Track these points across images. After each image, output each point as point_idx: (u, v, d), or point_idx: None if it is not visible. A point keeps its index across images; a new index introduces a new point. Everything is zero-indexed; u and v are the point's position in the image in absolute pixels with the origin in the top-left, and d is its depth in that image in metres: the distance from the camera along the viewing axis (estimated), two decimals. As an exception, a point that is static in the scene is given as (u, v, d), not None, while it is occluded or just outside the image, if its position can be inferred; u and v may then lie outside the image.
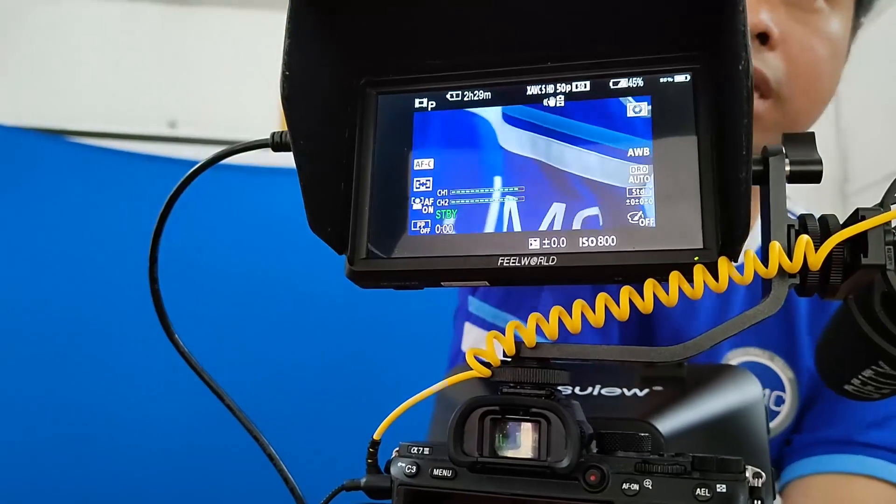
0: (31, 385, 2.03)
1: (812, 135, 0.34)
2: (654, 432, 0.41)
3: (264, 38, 2.71)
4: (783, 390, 0.70)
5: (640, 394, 0.48)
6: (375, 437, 0.36)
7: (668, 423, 0.44)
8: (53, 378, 2.03)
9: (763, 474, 0.32)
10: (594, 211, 0.34)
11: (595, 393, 0.48)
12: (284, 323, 2.02)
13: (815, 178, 0.33)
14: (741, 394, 0.49)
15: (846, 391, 0.42)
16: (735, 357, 0.71)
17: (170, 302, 0.43)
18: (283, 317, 2.03)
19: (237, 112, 2.63)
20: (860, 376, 0.40)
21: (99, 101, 2.57)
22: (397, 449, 0.36)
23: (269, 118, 2.67)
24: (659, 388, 0.49)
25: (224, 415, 0.45)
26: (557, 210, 0.34)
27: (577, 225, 0.34)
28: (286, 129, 0.33)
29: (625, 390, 0.48)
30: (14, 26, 2.62)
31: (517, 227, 0.35)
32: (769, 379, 0.69)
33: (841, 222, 0.32)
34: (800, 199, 0.71)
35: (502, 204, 0.35)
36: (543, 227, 0.34)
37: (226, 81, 2.70)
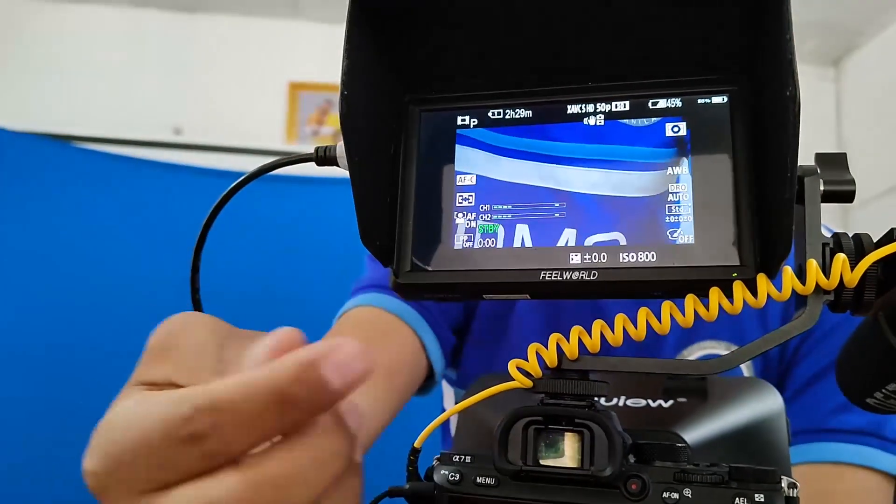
0: (32, 389, 2.03)
1: (844, 155, 0.35)
2: (683, 443, 0.42)
3: (269, 45, 2.74)
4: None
5: (665, 405, 0.49)
6: (416, 444, 0.37)
7: (694, 434, 0.45)
8: (55, 382, 2.03)
9: (797, 484, 0.33)
10: (617, 236, 0.35)
11: (621, 404, 0.49)
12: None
13: (848, 197, 0.34)
14: (763, 405, 0.49)
15: (868, 404, 0.43)
16: (692, 353, 0.72)
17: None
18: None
19: (242, 119, 2.65)
20: (884, 390, 0.41)
21: (105, 107, 2.58)
22: (438, 457, 0.37)
23: (274, 125, 2.69)
24: (683, 399, 0.49)
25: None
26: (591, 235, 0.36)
27: (619, 241, 0.35)
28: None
29: (650, 402, 0.49)
30: (21, 32, 2.63)
31: (558, 243, 0.36)
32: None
33: (874, 241, 0.33)
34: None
35: (544, 219, 0.36)
36: (588, 242, 0.35)
37: (231, 88, 2.71)
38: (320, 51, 2.69)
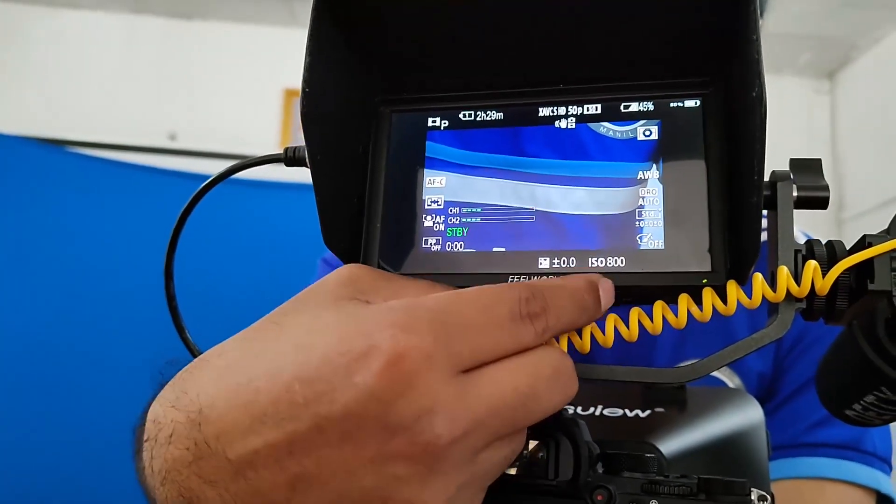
0: (28, 394, 2.02)
1: (819, 161, 0.34)
2: (656, 453, 0.41)
3: (264, 52, 2.74)
4: None
5: (642, 415, 0.48)
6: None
7: (670, 445, 0.44)
8: (49, 386, 2.02)
9: (767, 497, 0.32)
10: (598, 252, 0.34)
11: (597, 413, 0.49)
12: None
13: (822, 203, 0.33)
14: (743, 417, 0.49)
15: (847, 416, 0.43)
16: None
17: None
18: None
19: (237, 125, 2.64)
20: (862, 402, 0.40)
21: (100, 112, 2.58)
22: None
23: (269, 131, 2.69)
24: (661, 409, 0.49)
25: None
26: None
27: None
28: (300, 143, 0.34)
29: (627, 411, 0.49)
30: (17, 37, 2.63)
31: (527, 247, 0.35)
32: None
33: (847, 248, 0.32)
34: (795, 225, 0.71)
35: (513, 223, 0.35)
36: (552, 247, 0.35)
37: (226, 95, 2.71)
38: (316, 58, 2.69)
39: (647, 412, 0.48)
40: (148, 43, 2.71)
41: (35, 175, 2.25)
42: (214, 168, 0.40)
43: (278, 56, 2.74)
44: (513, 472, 0.32)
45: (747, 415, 0.49)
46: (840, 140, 2.77)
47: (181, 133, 2.62)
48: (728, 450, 0.47)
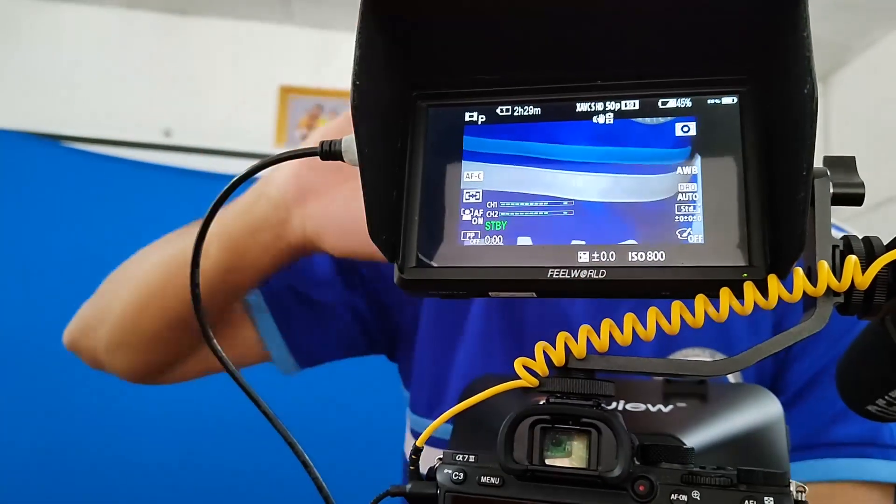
0: (28, 390, 2.01)
1: (853, 158, 0.35)
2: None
3: (260, 49, 2.74)
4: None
5: (664, 409, 0.48)
6: (418, 443, 0.37)
7: (693, 439, 0.44)
8: (47, 384, 2.01)
9: (805, 488, 0.33)
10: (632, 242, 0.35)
11: (620, 408, 0.49)
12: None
13: (857, 200, 0.34)
14: (763, 411, 0.49)
15: (868, 411, 0.43)
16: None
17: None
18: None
19: (232, 122, 2.63)
20: (887, 397, 0.41)
21: (95, 108, 2.56)
22: (440, 457, 0.36)
23: (265, 128, 2.68)
24: (682, 404, 0.49)
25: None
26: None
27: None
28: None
29: (649, 406, 0.49)
30: (11, 31, 2.61)
31: (566, 241, 0.35)
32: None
33: (885, 244, 0.33)
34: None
35: (551, 217, 0.36)
36: (591, 240, 0.35)
37: (221, 91, 2.70)
38: (312, 55, 2.69)
39: (669, 407, 0.49)
40: (143, 38, 2.70)
41: (28, 170, 2.24)
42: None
43: (274, 53, 2.73)
44: (556, 463, 0.33)
45: (767, 409, 0.50)
46: (833, 142, 2.79)
47: (176, 129, 2.60)
48: (750, 444, 0.47)
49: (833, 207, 0.33)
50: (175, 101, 2.65)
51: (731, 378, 0.70)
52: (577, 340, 0.33)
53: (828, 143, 2.80)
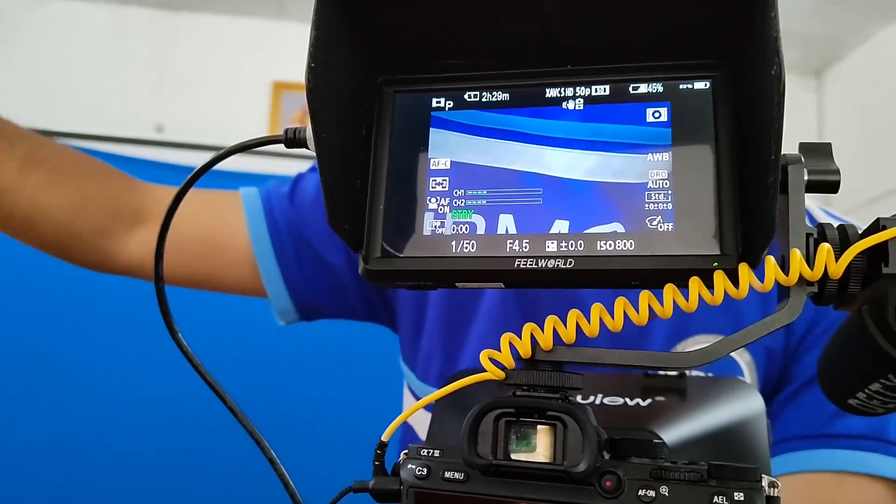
0: (28, 390, 2.00)
1: (829, 145, 0.34)
2: (661, 441, 0.41)
3: (253, 45, 2.72)
4: (742, 374, 0.66)
5: (642, 403, 0.48)
6: (383, 438, 0.36)
7: (672, 434, 0.43)
8: (47, 384, 2.01)
9: (778, 483, 0.32)
10: (611, 227, 0.34)
11: (597, 402, 0.48)
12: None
13: (833, 187, 0.33)
14: (743, 406, 0.48)
15: (850, 405, 0.42)
16: (686, 348, 0.67)
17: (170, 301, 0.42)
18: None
19: (224, 117, 2.62)
20: (867, 390, 0.40)
21: (87, 104, 2.55)
22: (405, 451, 0.35)
23: (257, 124, 2.67)
24: (661, 398, 0.48)
25: (219, 417, 0.44)
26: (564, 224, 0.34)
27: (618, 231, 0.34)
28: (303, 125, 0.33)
29: (627, 400, 0.48)
30: (2, 27, 2.59)
31: (534, 230, 0.34)
32: (726, 365, 0.65)
33: (860, 232, 0.32)
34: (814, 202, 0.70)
35: (520, 205, 0.35)
36: (560, 230, 0.34)
37: (214, 87, 2.69)
38: (304, 51, 2.67)
39: (648, 401, 0.48)
40: (135, 34, 2.68)
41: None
42: (202, 160, 0.40)
43: (267, 49, 2.71)
44: (521, 457, 0.32)
45: (748, 404, 0.49)
46: (827, 138, 2.78)
47: (168, 125, 2.59)
48: (730, 439, 0.46)
49: (832, 204, 0.32)
50: (167, 96, 2.64)
51: (740, 359, 0.68)
52: (543, 331, 0.33)
53: (822, 138, 2.79)
